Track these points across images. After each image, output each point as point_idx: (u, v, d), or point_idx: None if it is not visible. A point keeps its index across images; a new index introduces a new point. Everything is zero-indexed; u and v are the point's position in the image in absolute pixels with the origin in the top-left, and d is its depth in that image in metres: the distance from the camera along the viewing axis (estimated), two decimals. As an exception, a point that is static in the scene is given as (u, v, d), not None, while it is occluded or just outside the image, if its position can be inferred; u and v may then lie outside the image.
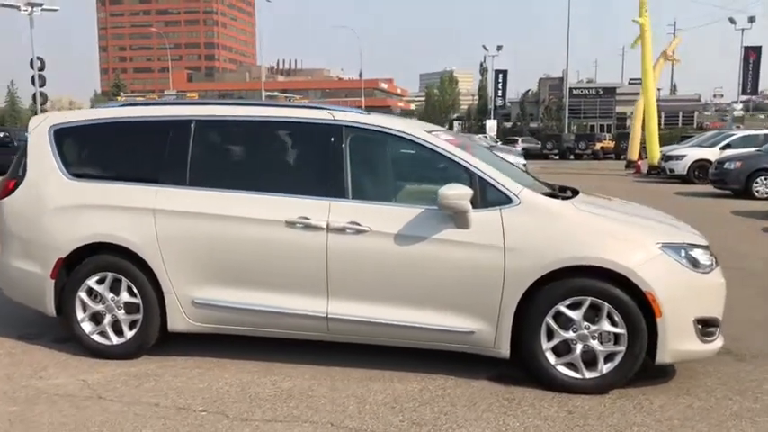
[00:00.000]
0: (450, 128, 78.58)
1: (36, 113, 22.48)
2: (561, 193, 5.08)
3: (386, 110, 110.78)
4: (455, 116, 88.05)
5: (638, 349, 4.12)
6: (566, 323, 4.19)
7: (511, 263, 4.18)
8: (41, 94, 32.01)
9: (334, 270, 4.37)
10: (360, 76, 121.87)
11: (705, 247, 4.39)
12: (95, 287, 4.70)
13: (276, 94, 75.83)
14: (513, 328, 4.24)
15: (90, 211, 4.70)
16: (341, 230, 4.34)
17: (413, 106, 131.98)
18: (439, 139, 4.49)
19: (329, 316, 4.41)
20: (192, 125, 4.71)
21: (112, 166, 4.88)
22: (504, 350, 4.28)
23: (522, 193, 4.32)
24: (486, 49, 55.51)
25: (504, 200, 4.30)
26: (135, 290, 4.65)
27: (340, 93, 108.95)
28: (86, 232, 4.67)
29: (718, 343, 4.33)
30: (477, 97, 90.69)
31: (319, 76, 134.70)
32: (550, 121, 60.08)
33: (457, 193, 4.13)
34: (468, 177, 4.37)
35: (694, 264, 4.20)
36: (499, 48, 55.34)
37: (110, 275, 4.68)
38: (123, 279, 4.66)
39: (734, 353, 4.87)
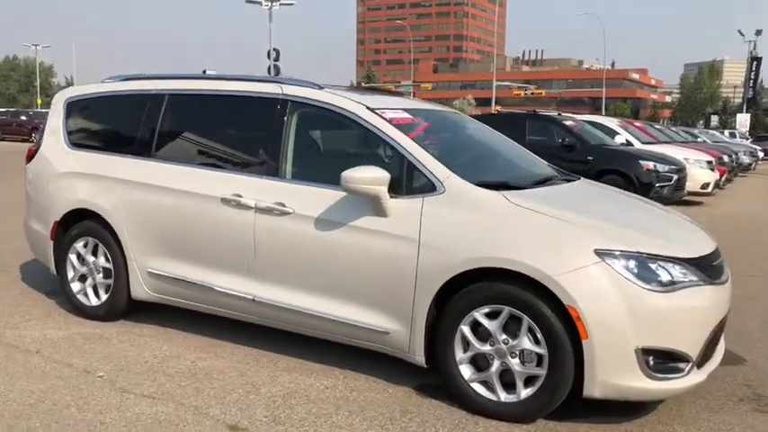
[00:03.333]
0: (707, 123, 71.46)
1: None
2: (564, 179, 4.41)
3: (636, 101, 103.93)
4: (711, 110, 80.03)
5: (558, 376, 3.38)
6: (484, 334, 3.58)
7: (424, 259, 3.67)
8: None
9: (261, 252, 4.19)
10: (612, 65, 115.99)
11: (682, 261, 3.46)
12: (81, 251, 5.01)
13: (508, 83, 74.92)
14: (428, 334, 3.72)
15: (79, 178, 5.01)
16: (268, 211, 4.13)
17: (668, 98, 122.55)
18: (379, 117, 4.05)
19: (255, 299, 4.24)
20: (165, 99, 4.80)
21: (101, 137, 5.17)
22: (419, 356, 3.77)
23: (448, 181, 3.75)
24: (741, 34, 49.33)
25: (429, 187, 3.78)
26: (109, 256, 4.87)
27: (585, 83, 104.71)
28: (73, 198, 4.99)
29: (683, 382, 3.43)
30: (736, 90, 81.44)
31: (566, 66, 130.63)
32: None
33: (364, 176, 3.70)
34: (399, 160, 3.90)
35: (646, 279, 3.33)
36: (758, 32, 48.85)
37: (90, 240, 4.95)
38: (99, 244, 4.90)
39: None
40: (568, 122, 12.26)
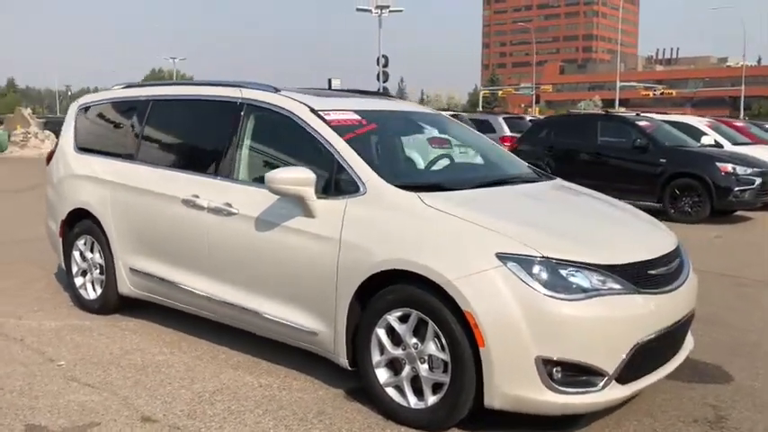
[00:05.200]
0: None
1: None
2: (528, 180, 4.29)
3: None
4: None
5: (459, 384, 3.25)
6: (397, 338, 3.51)
7: (343, 260, 3.65)
8: (384, 88, 35.65)
9: (213, 251, 4.32)
10: (758, 62, 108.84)
11: (601, 267, 3.23)
12: (82, 248, 5.37)
13: (633, 84, 71.70)
14: (351, 336, 3.70)
15: (80, 180, 5.37)
16: (218, 211, 4.26)
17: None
18: (318, 119, 4.05)
19: (210, 297, 4.37)
20: (150, 104, 5.05)
21: (99, 142, 5.49)
22: (343, 359, 3.75)
23: (370, 182, 3.70)
24: None
25: (354, 188, 3.75)
26: (102, 253, 5.18)
27: (725, 82, 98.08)
28: (75, 199, 5.36)
29: (597, 397, 3.19)
30: None
31: (704, 64, 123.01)
32: None
33: (286, 176, 3.73)
34: (330, 161, 3.90)
35: (552, 285, 3.13)
36: None
37: (89, 238, 5.29)
38: (95, 242, 5.23)
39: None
40: (642, 123, 11.56)
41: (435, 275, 3.27)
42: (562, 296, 3.12)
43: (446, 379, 3.31)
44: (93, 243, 5.25)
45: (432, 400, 3.38)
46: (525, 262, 3.18)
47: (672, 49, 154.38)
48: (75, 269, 5.44)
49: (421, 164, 4.49)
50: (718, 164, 10.48)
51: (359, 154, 3.84)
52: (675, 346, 3.69)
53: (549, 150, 12.21)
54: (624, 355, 3.21)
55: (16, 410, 3.60)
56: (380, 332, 3.55)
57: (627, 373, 3.27)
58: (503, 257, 3.20)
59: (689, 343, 3.93)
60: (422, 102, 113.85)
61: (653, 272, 3.46)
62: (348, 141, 3.92)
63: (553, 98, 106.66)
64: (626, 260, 3.35)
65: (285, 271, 3.93)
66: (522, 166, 4.76)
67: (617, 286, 3.24)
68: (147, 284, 4.86)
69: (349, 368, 3.76)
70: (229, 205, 4.19)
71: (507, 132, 15.48)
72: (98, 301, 5.25)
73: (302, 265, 3.83)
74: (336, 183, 3.83)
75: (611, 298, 3.20)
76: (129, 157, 5.06)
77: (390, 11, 35.76)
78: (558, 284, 3.14)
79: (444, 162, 4.69)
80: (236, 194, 4.21)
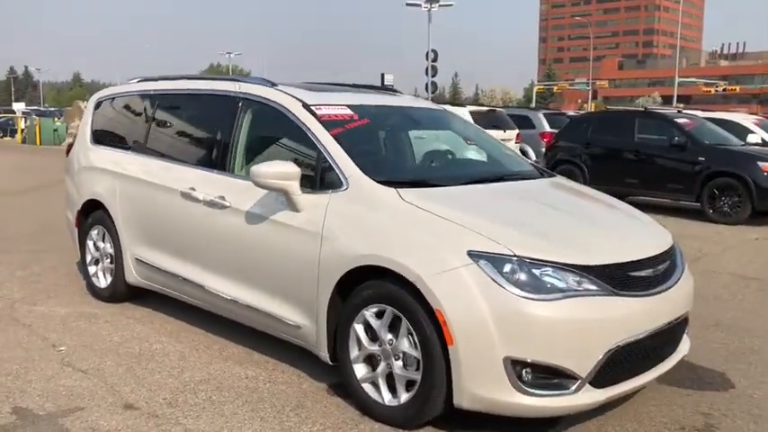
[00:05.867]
0: None
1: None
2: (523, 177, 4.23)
3: None
4: None
5: (430, 382, 3.22)
6: (374, 334, 3.50)
7: (325, 254, 3.65)
8: (432, 83, 35.50)
9: (208, 243, 4.38)
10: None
11: (577, 267, 3.15)
12: (95, 237, 5.51)
13: (693, 80, 69.57)
14: (331, 330, 3.70)
15: (94, 172, 5.51)
16: (212, 204, 4.31)
17: None
18: (308, 113, 4.05)
19: (205, 288, 4.43)
20: (156, 98, 5.17)
21: (111, 134, 5.62)
22: (324, 353, 3.76)
23: (352, 177, 3.69)
24: None
25: (338, 183, 3.75)
26: (111, 243, 5.32)
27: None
28: (89, 190, 5.50)
29: (569, 401, 3.12)
30: None
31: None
32: None
33: (270, 171, 3.75)
34: (317, 156, 3.91)
35: (523, 285, 3.07)
36: None
37: (101, 228, 5.43)
38: (106, 233, 5.37)
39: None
40: (681, 120, 11.19)
41: (407, 272, 3.25)
42: (533, 296, 3.06)
43: (418, 377, 3.29)
44: (104, 233, 5.39)
45: (404, 397, 3.36)
46: (497, 260, 3.12)
47: (738, 43, 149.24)
48: (88, 258, 5.60)
49: (421, 159, 4.46)
50: (759, 163, 10.06)
51: (344, 149, 3.83)
52: (663, 351, 3.57)
53: (585, 147, 11.95)
54: (598, 359, 3.12)
55: (7, 393, 3.72)
56: (358, 328, 3.54)
57: (603, 377, 3.18)
58: (474, 255, 3.15)
59: (683, 348, 3.81)
60: (476, 98, 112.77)
61: (635, 274, 3.35)
62: (335, 136, 3.92)
63: (611, 94, 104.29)
64: (604, 261, 3.26)
65: (272, 264, 3.95)
66: (524, 164, 4.68)
67: (593, 287, 3.16)
68: (150, 274, 4.96)
69: (330, 363, 3.76)
70: (223, 198, 4.24)
71: (547, 128, 15.22)
72: (108, 290, 5.39)
73: (287, 259, 3.85)
74: (322, 177, 3.83)
75: (585, 299, 3.12)
76: (136, 149, 5.18)
77: (440, 5, 35.54)
78: (529, 284, 3.08)
79: (445, 158, 4.65)
80: (230, 188, 4.25)
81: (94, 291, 5.52)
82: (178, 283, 4.69)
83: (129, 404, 3.63)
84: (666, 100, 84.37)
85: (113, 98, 5.73)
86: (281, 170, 3.74)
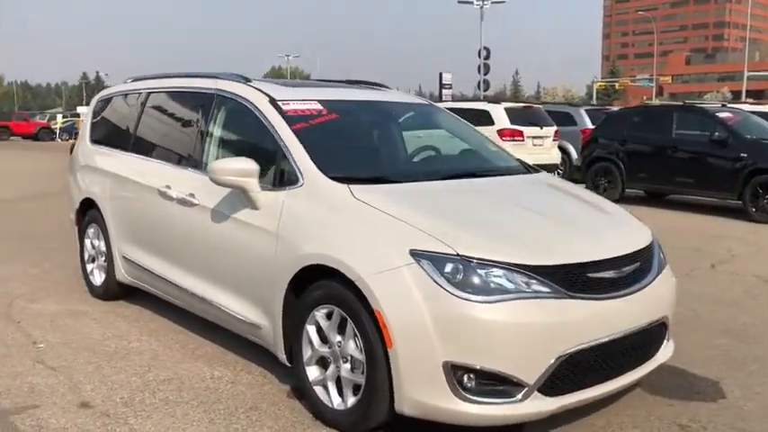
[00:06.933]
0: None
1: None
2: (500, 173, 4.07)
3: None
4: None
5: (372, 386, 3.08)
6: (325, 336, 3.38)
7: (279, 253, 3.56)
8: (485, 81, 35.12)
9: (184, 241, 4.35)
10: None
11: (527, 268, 2.96)
12: (91, 235, 5.57)
13: (766, 73, 66.53)
14: (287, 331, 3.60)
15: (90, 171, 5.57)
16: (183, 202, 4.28)
17: None
18: (273, 109, 3.96)
19: (179, 286, 4.40)
20: (145, 96, 5.17)
21: (105, 133, 5.66)
22: (281, 353, 3.66)
23: (307, 173, 3.58)
24: None
25: (294, 179, 3.65)
26: (104, 240, 5.36)
27: None
28: (85, 189, 5.57)
29: (514, 409, 2.94)
30: None
31: None
32: None
33: (227, 167, 3.68)
34: (278, 151, 3.81)
35: (465, 286, 2.90)
36: None
37: (95, 226, 5.48)
38: (100, 231, 5.41)
39: None
40: (722, 114, 10.63)
41: (348, 271, 3.12)
42: (475, 298, 2.88)
43: (362, 380, 3.15)
44: (99, 231, 5.44)
45: (351, 401, 3.24)
46: (439, 260, 2.96)
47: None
48: (86, 256, 5.66)
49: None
50: (802, 159, 9.49)
51: (304, 144, 3.72)
52: (633, 358, 3.32)
53: (622, 144, 11.50)
54: (548, 365, 2.92)
55: (-25, 388, 3.76)
56: (310, 329, 3.43)
57: (556, 385, 2.98)
58: (417, 255, 2.99)
59: (662, 354, 3.55)
60: (537, 95, 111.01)
61: (596, 275, 3.13)
62: (296, 131, 3.82)
63: (677, 90, 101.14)
64: (559, 261, 3.05)
65: (235, 263, 3.89)
66: (508, 160, 4.47)
67: (544, 289, 2.96)
68: (136, 272, 4.97)
69: (288, 364, 3.66)
70: (192, 196, 4.20)
71: (589, 125, 14.74)
72: (102, 287, 5.43)
73: (247, 258, 3.77)
74: (281, 174, 3.74)
75: (533, 302, 2.92)
76: (124, 148, 5.20)
77: (492, 2, 35.11)
78: (472, 285, 2.90)
79: (425, 154, 4.50)
80: (199, 185, 4.20)
81: (91, 288, 5.58)
82: (159, 282, 4.68)
83: (85, 402, 3.61)
84: (737, 95, 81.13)
85: (110, 98, 5.79)
86: (237, 167, 3.67)
